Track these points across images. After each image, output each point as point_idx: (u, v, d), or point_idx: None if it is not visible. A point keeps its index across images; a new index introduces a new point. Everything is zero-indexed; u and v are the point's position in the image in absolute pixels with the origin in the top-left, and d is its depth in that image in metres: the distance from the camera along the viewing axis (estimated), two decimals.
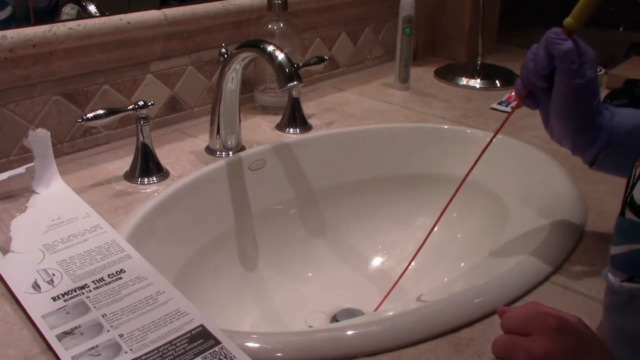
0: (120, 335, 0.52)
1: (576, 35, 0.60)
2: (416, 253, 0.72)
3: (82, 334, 0.52)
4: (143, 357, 0.50)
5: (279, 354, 0.52)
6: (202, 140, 0.92)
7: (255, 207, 0.86)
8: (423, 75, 1.26)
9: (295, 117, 0.97)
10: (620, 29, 1.57)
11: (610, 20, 1.54)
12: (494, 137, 0.67)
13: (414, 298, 0.63)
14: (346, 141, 0.96)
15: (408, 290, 0.86)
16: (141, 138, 0.79)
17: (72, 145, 0.87)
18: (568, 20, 0.60)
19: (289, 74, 0.74)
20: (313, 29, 1.15)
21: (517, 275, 0.61)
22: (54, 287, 0.58)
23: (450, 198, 0.69)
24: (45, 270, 0.61)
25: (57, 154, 0.82)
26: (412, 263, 0.90)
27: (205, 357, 0.50)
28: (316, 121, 1.00)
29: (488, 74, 1.23)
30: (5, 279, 0.59)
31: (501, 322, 0.45)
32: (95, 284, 0.59)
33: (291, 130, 0.96)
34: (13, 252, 0.63)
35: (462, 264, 0.84)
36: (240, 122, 0.87)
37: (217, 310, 0.75)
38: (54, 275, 0.60)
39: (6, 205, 0.72)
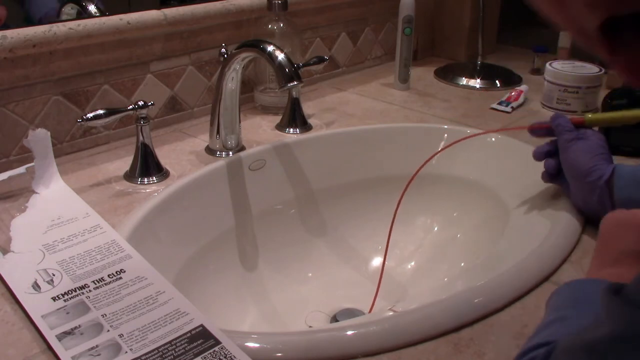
0: (120, 335, 0.52)
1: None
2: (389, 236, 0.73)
3: (82, 334, 0.52)
4: (143, 357, 0.50)
5: (279, 354, 0.52)
6: (202, 140, 0.92)
7: (255, 207, 0.86)
8: (423, 75, 1.26)
9: (295, 117, 0.97)
10: None
11: None
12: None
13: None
14: (346, 141, 0.96)
15: (408, 290, 0.86)
16: (141, 138, 0.79)
17: (72, 145, 0.87)
18: (588, 117, 0.72)
19: (289, 74, 0.74)
20: (313, 29, 1.15)
21: (517, 275, 0.61)
22: (54, 287, 0.58)
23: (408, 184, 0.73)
24: (45, 270, 0.61)
25: (57, 154, 0.82)
26: (413, 263, 0.91)
27: (205, 357, 0.50)
28: (316, 121, 1.00)
29: (488, 74, 1.23)
30: (5, 279, 0.59)
31: None
32: (95, 284, 0.59)
33: (291, 130, 0.96)
34: (13, 252, 0.63)
35: (462, 264, 0.84)
36: (240, 122, 0.87)
37: (217, 310, 0.75)
38: (54, 275, 0.60)
39: (6, 205, 0.72)
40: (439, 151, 0.70)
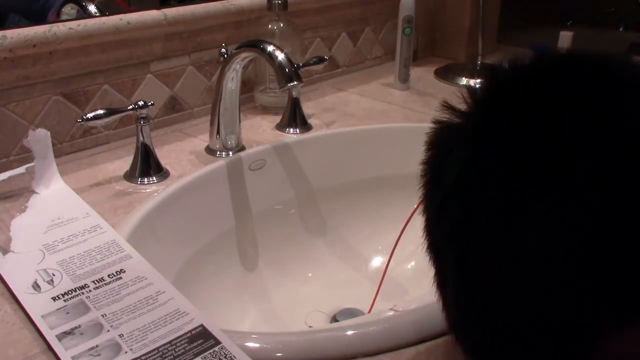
0: (120, 335, 0.52)
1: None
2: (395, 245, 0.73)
3: (82, 334, 0.52)
4: (143, 357, 0.50)
5: (279, 354, 0.52)
6: (202, 140, 0.92)
7: (255, 207, 0.86)
8: (423, 75, 1.26)
9: (295, 117, 0.97)
10: (620, 29, 1.56)
11: (610, 20, 1.54)
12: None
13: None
14: (346, 141, 0.96)
15: (408, 290, 0.86)
16: (141, 138, 0.79)
17: (72, 145, 0.87)
18: None
19: (288, 74, 0.74)
20: (313, 29, 1.15)
21: None
22: (54, 287, 0.58)
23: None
24: (45, 270, 0.61)
25: (57, 154, 0.82)
26: (413, 263, 0.91)
27: (205, 357, 0.50)
28: (316, 121, 1.00)
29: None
30: (5, 279, 0.59)
31: None
32: (95, 284, 0.59)
33: (291, 130, 0.96)
34: (13, 252, 0.63)
35: None
36: (240, 122, 0.87)
37: (217, 310, 0.75)
38: (54, 275, 0.60)
39: (6, 205, 0.73)
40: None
